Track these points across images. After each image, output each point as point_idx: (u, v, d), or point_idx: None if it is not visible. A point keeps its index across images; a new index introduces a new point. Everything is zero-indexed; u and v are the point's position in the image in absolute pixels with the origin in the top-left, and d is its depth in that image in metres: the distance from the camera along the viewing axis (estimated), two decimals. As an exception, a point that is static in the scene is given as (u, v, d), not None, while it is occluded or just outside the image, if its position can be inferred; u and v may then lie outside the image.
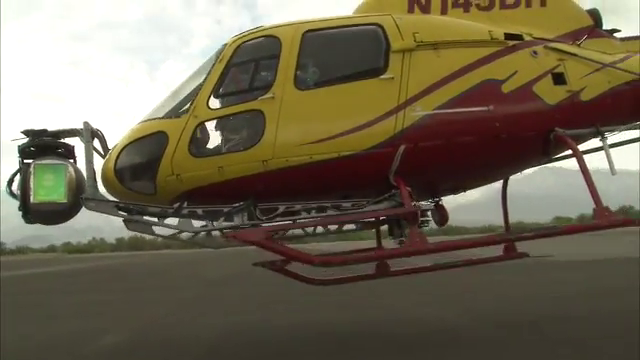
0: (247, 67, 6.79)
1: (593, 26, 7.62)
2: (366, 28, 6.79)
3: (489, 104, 6.50)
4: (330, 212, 6.36)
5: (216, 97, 6.45)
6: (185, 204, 6.11)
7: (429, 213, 6.74)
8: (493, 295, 13.49)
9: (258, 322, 10.75)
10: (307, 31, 6.52)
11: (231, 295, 16.27)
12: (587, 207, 6.65)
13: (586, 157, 7.10)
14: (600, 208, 6.37)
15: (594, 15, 7.80)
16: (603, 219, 6.36)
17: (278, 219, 6.24)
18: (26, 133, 6.20)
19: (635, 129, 7.49)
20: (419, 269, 8.57)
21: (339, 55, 6.91)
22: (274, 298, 14.21)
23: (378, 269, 7.90)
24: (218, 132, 6.41)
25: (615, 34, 7.84)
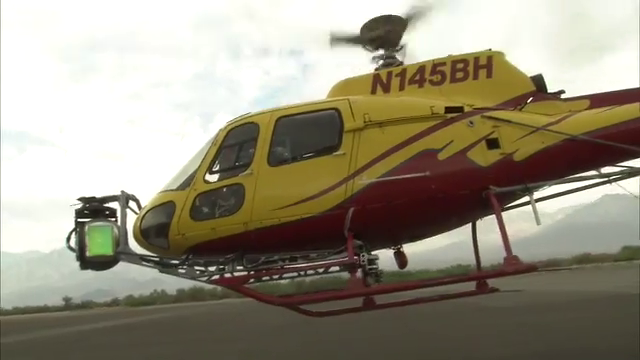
0: (234, 148, 8.27)
1: (535, 91, 8.67)
2: (326, 112, 8.32)
3: (425, 170, 7.70)
4: (300, 261, 7.98)
5: (210, 173, 8.15)
6: (190, 256, 7.98)
7: (377, 262, 7.88)
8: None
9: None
10: (280, 117, 8.22)
11: (290, 344, 16.16)
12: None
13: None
14: (509, 257, 7.42)
15: (538, 81, 8.82)
16: (510, 266, 7.44)
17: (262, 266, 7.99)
18: (80, 199, 8.10)
19: (565, 183, 8.39)
20: (399, 303, 9.46)
21: (304, 136, 8.50)
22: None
23: (365, 303, 8.48)
24: (211, 201, 8.03)
25: (561, 95, 8.76)
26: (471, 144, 8.05)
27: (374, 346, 14.31)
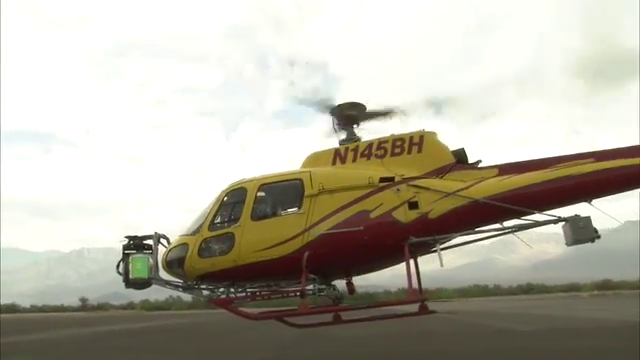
0: (229, 206, 11.46)
1: (455, 162, 11.25)
2: (293, 182, 11.33)
3: (360, 225, 10.64)
4: (274, 288, 11.49)
5: (212, 224, 11.32)
6: (199, 282, 11.47)
7: (325, 289, 11.24)
8: None
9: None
10: (262, 184, 11.42)
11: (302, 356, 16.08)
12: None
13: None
14: (411, 290, 10.61)
15: (459, 154, 11.43)
16: (410, 296, 10.71)
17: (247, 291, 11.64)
18: (127, 237, 11.44)
19: (469, 235, 11.18)
20: (357, 320, 13.35)
21: (277, 199, 11.50)
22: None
23: (334, 319, 11.58)
24: (212, 244, 11.17)
25: (478, 164, 11.38)
26: (396, 206, 10.78)
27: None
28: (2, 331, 36.10)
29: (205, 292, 11.60)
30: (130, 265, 11.25)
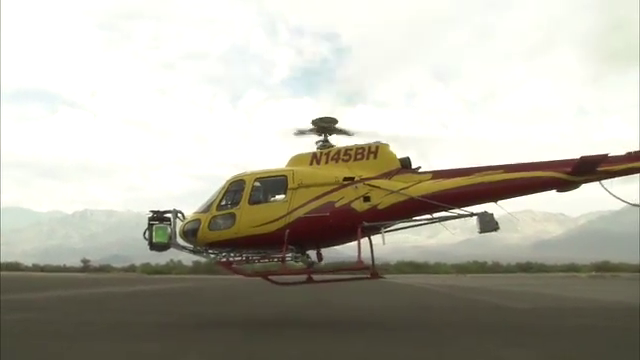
0: (232, 193, 15.27)
1: (401, 167, 15.16)
2: (280, 177, 15.27)
3: (327, 212, 14.54)
4: (263, 254, 15.45)
5: (219, 205, 15.18)
6: (207, 248, 15.43)
7: (301, 258, 15.23)
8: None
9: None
10: (257, 178, 15.28)
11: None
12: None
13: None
14: (359, 260, 14.57)
15: (404, 161, 15.29)
16: (358, 264, 14.70)
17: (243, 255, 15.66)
18: (151, 211, 15.24)
19: (406, 222, 15.22)
20: (325, 280, 17.84)
21: (268, 189, 15.42)
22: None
23: (307, 279, 16.24)
24: (219, 221, 15.00)
25: (418, 170, 15.22)
26: (354, 199, 14.65)
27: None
28: (3, 289, 36.65)
29: (212, 256, 15.62)
30: (153, 232, 14.92)
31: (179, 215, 15.36)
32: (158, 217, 15.04)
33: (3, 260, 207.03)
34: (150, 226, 14.92)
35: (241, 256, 15.57)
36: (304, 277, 16.02)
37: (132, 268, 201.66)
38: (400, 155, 15.39)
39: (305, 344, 11.61)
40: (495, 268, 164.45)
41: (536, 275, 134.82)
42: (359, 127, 15.90)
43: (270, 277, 16.27)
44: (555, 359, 9.99)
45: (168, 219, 15.12)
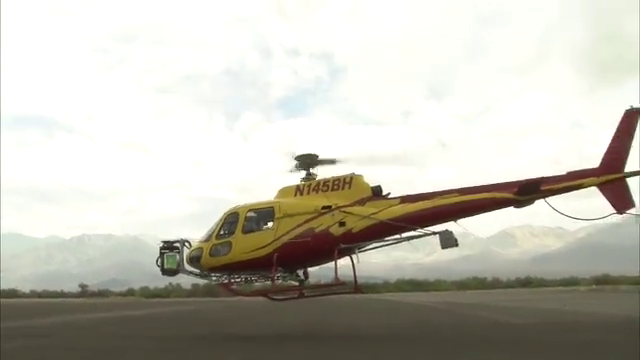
0: (229, 224, 17.95)
1: (372, 195, 17.74)
2: (268, 209, 18.01)
3: (309, 237, 17.13)
4: (256, 276, 18.45)
5: (218, 235, 17.95)
6: (209, 272, 18.53)
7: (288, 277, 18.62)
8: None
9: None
10: (249, 210, 18.14)
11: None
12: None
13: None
14: (336, 278, 17.31)
15: (376, 189, 17.91)
16: (335, 282, 17.47)
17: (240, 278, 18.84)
18: (162, 241, 18.20)
19: (378, 242, 17.88)
20: (311, 295, 20.29)
21: (259, 219, 18.12)
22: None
23: (298, 295, 18.83)
24: (218, 248, 17.67)
25: (388, 196, 17.77)
26: (331, 224, 17.15)
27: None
28: (2, 316, 36.29)
29: (214, 278, 18.56)
30: (165, 260, 17.72)
31: (186, 244, 18.04)
32: (168, 246, 17.84)
33: (3, 287, 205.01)
34: (162, 254, 17.72)
35: (240, 278, 18.32)
36: (296, 293, 18.88)
37: (131, 292, 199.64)
38: (376, 183, 18.10)
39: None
40: (495, 284, 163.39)
41: (536, 290, 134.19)
42: (341, 154, 18.77)
43: (267, 294, 18.98)
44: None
45: (177, 247, 17.82)
